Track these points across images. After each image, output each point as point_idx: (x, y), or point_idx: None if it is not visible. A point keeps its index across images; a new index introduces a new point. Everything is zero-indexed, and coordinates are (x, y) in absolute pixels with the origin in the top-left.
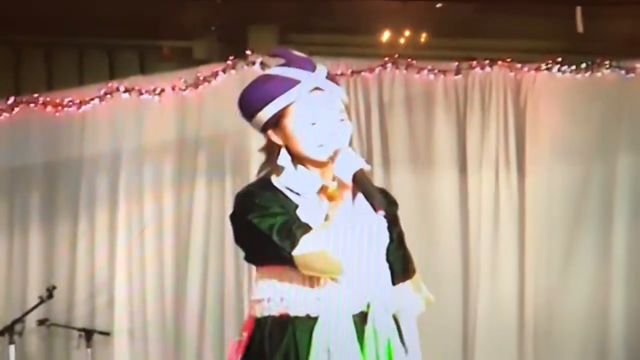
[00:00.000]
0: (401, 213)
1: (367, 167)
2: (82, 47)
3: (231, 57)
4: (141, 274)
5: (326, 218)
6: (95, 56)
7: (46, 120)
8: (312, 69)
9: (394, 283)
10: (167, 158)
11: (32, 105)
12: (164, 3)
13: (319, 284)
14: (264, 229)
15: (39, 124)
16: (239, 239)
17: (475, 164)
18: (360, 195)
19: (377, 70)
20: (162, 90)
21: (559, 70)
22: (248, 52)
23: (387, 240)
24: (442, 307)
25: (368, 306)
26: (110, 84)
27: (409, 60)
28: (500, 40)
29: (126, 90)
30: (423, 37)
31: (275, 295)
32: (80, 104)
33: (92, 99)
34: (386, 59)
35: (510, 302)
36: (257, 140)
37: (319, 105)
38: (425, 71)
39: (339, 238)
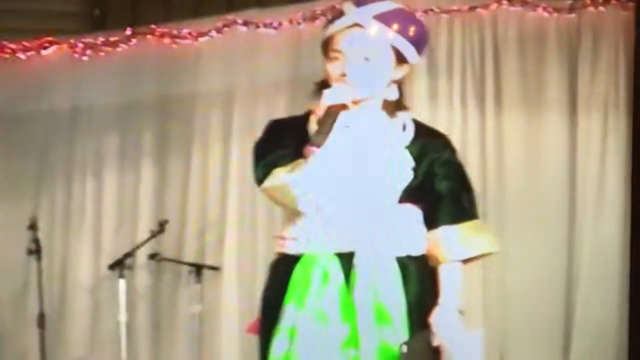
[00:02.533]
0: (510, 153)
1: (346, 105)
2: None
3: None
4: (252, 211)
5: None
6: None
7: (162, 52)
8: (362, 4)
9: (431, 226)
10: (281, 94)
11: (148, 36)
12: None
13: (303, 220)
14: (256, 162)
15: (155, 56)
16: None
17: (585, 105)
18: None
19: (493, 6)
20: (280, 24)
21: None
22: None
23: (401, 181)
24: (547, 249)
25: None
26: (227, 17)
27: None
28: None
29: (244, 23)
30: None
31: (280, 233)
32: (197, 36)
33: (209, 31)
34: None
35: (616, 246)
36: None
37: (345, 40)
38: (540, 9)
39: (314, 173)
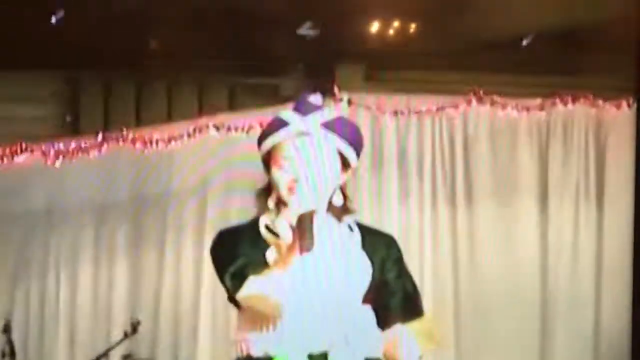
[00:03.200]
0: (482, 246)
1: (315, 210)
2: (171, 82)
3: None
4: (225, 308)
5: (284, 259)
6: (185, 92)
7: (135, 156)
8: (307, 113)
9: (386, 326)
10: (253, 194)
11: (120, 141)
12: (253, 41)
13: (276, 324)
14: (222, 269)
15: (128, 160)
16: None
17: (556, 198)
18: (346, 237)
19: (462, 106)
20: (251, 127)
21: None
22: (335, 89)
23: (364, 282)
24: (521, 336)
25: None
26: (199, 121)
27: (494, 96)
28: (581, 78)
29: (215, 127)
30: (506, 74)
31: (241, 336)
32: (169, 140)
33: (181, 136)
34: (471, 95)
35: (590, 339)
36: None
37: (295, 149)
38: (509, 107)
39: (288, 279)
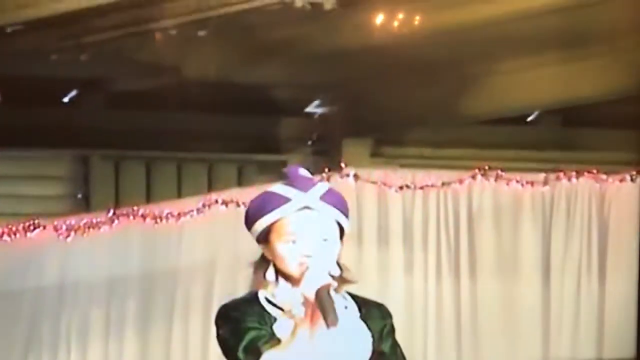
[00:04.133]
0: (485, 320)
1: (331, 283)
2: (181, 160)
3: (326, 170)
4: None
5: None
6: (194, 169)
7: (145, 231)
8: (307, 188)
9: None
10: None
11: (131, 217)
12: (261, 120)
13: None
14: (232, 345)
15: (138, 235)
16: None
17: (559, 271)
18: (347, 309)
19: (467, 181)
20: None
21: None
22: (342, 165)
23: (367, 352)
24: None
25: None
26: (208, 197)
27: (498, 171)
28: (585, 153)
29: (224, 202)
30: (511, 150)
31: None
32: (179, 215)
33: (191, 211)
34: (476, 170)
35: None
36: None
37: (302, 223)
38: (514, 182)
39: (302, 353)
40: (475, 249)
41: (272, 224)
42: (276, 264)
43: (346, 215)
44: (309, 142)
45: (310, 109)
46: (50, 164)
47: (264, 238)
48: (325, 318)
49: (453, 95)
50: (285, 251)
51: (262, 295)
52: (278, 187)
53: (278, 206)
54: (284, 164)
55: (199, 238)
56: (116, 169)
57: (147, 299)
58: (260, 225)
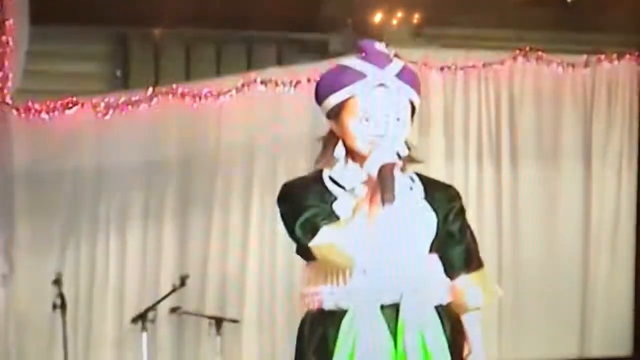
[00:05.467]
0: (526, 205)
1: (397, 163)
2: (221, 40)
3: None
4: (272, 265)
5: (357, 211)
6: (234, 49)
7: (183, 111)
8: (383, 65)
9: (452, 276)
10: (301, 151)
11: (170, 96)
12: None
13: (348, 276)
14: (290, 221)
15: (177, 114)
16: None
17: (599, 157)
18: (412, 190)
19: (508, 62)
20: (298, 82)
21: None
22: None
23: (430, 233)
24: (560, 296)
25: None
26: (247, 75)
27: (539, 52)
28: (627, 35)
29: (262, 82)
30: (552, 31)
31: (312, 290)
32: (218, 95)
33: (229, 90)
34: (517, 51)
35: (628, 300)
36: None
37: (377, 101)
38: (555, 64)
39: (360, 231)
40: (517, 133)
41: (345, 100)
42: (345, 141)
43: (419, 94)
44: (350, 21)
45: None
46: (90, 42)
47: (335, 114)
48: (382, 194)
49: None
50: (357, 129)
51: (326, 173)
52: (353, 62)
53: (353, 82)
54: (324, 43)
55: (237, 119)
56: (155, 48)
57: (186, 181)
58: (333, 100)
